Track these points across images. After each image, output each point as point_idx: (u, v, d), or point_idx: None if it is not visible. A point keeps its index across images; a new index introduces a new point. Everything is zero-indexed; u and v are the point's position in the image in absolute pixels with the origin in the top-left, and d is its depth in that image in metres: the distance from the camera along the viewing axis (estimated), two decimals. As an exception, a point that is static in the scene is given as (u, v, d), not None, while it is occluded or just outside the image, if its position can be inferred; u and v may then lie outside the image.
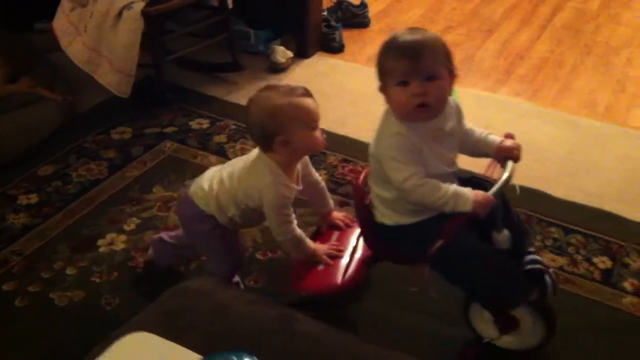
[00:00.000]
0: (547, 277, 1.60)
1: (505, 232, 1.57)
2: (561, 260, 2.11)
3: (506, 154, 1.62)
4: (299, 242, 1.73)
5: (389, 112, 1.58)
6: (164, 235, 1.99)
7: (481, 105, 2.98)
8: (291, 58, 3.25)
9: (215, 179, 1.75)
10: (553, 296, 1.62)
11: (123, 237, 2.17)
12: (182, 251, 2.01)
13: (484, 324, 1.73)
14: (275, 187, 1.65)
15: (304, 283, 1.71)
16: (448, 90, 1.54)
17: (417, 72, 1.48)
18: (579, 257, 2.12)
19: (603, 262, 2.10)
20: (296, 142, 1.63)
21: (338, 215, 1.92)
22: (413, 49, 1.49)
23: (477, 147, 1.67)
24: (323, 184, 1.89)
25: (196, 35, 3.16)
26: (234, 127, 2.77)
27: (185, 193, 1.81)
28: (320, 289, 1.71)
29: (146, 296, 1.82)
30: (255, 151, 1.73)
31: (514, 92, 3.16)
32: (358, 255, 1.79)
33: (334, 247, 1.80)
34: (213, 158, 2.57)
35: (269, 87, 1.67)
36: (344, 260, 1.76)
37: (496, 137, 1.66)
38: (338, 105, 2.94)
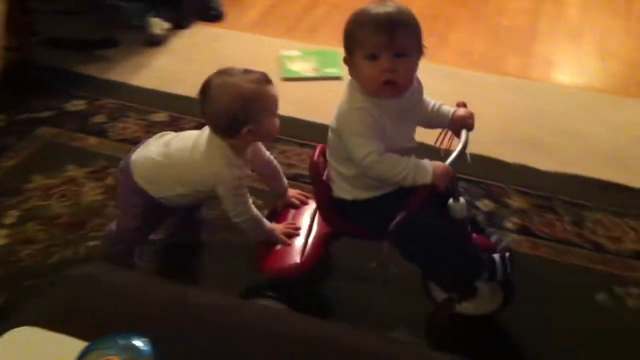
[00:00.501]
0: (496, 258, 1.61)
1: (462, 200, 1.58)
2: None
3: (461, 123, 1.62)
4: (257, 222, 1.69)
5: (352, 85, 1.53)
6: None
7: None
8: (168, 29, 3.15)
9: (156, 155, 1.70)
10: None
11: (3, 232, 2.06)
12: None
13: (443, 293, 1.73)
14: (230, 170, 1.62)
15: (264, 265, 1.68)
16: (415, 69, 1.51)
17: (388, 47, 1.43)
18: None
19: (486, 205, 2.19)
20: (262, 131, 1.61)
21: (292, 192, 1.88)
22: (387, 23, 1.43)
23: (431, 119, 1.65)
24: (276, 162, 1.85)
25: (68, 12, 3.00)
26: (111, 105, 2.67)
27: (127, 161, 1.75)
28: (280, 270, 1.67)
29: (32, 290, 1.74)
30: (200, 134, 1.67)
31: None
32: (315, 232, 1.75)
33: (291, 225, 1.76)
34: (93, 140, 2.47)
35: (230, 72, 1.60)
36: (302, 239, 1.72)
37: (449, 107, 1.65)
38: (221, 75, 2.89)
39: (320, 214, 1.74)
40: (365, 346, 1.20)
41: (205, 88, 1.60)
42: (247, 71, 1.60)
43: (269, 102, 1.60)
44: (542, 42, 3.31)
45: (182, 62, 2.99)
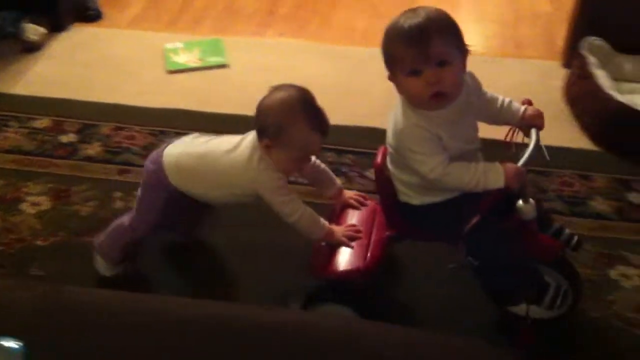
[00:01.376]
0: (551, 288, 1.61)
1: (532, 201, 1.52)
2: (339, 181, 2.22)
3: (530, 122, 1.57)
4: (312, 219, 1.64)
5: (402, 101, 1.49)
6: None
7: (250, 50, 3.02)
8: (45, 34, 3.06)
9: (192, 154, 1.71)
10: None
11: None
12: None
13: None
14: (268, 173, 1.60)
15: (325, 268, 1.61)
16: (463, 72, 1.46)
17: (427, 59, 1.38)
18: (354, 175, 2.26)
19: (370, 173, 2.25)
20: (278, 157, 1.60)
21: (350, 194, 1.82)
22: (421, 34, 1.37)
23: (499, 116, 1.61)
24: (323, 165, 1.80)
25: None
26: (-9, 117, 2.59)
27: (161, 155, 1.74)
28: (344, 274, 1.60)
29: None
30: (243, 137, 1.66)
31: (279, 33, 3.23)
32: (377, 234, 1.69)
33: (352, 228, 1.68)
34: (-27, 154, 2.39)
35: (303, 102, 1.59)
36: (364, 241, 1.65)
37: (519, 105, 1.60)
38: (104, 75, 2.83)
39: (385, 217, 1.69)
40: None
41: (281, 91, 1.60)
42: (313, 111, 1.59)
43: (300, 143, 1.58)
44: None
45: (62, 65, 2.91)
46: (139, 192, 1.80)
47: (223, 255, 2.00)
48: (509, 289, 1.61)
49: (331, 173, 1.81)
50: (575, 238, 1.63)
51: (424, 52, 1.38)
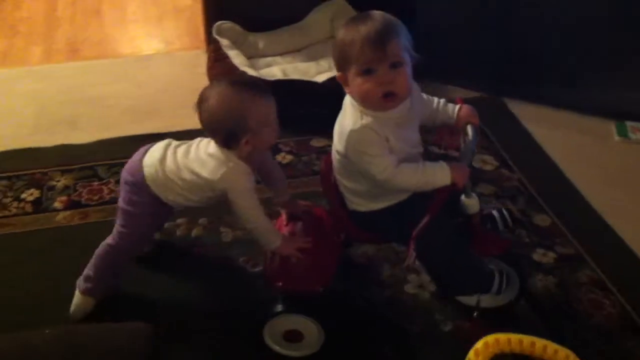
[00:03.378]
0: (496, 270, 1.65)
1: (475, 196, 1.58)
2: None
3: (467, 120, 1.60)
4: (269, 228, 1.63)
5: (350, 103, 1.51)
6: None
7: None
8: None
9: (170, 160, 1.63)
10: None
11: None
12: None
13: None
14: (238, 176, 1.56)
15: (282, 280, 1.60)
16: (410, 78, 1.46)
17: (383, 59, 1.40)
18: (8, 200, 2.15)
19: (31, 194, 2.18)
20: (260, 141, 1.56)
21: (299, 203, 1.77)
22: (379, 36, 1.40)
23: (436, 117, 1.63)
24: (279, 168, 1.78)
25: None
26: None
27: (139, 158, 1.67)
28: (302, 285, 1.60)
29: None
30: (207, 142, 1.61)
31: None
32: (329, 243, 1.68)
33: (302, 239, 1.63)
34: None
35: (223, 82, 1.56)
36: (316, 250, 1.62)
37: (452, 105, 1.62)
38: None
39: (335, 222, 1.69)
40: None
41: (201, 99, 1.56)
42: (240, 80, 1.58)
43: (265, 113, 1.54)
44: (63, 26, 3.34)
45: None
46: (121, 207, 1.71)
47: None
48: (460, 283, 1.66)
49: (285, 180, 1.78)
50: (507, 215, 1.72)
51: (380, 53, 1.40)
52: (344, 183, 1.61)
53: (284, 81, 2.53)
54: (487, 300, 1.69)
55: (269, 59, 2.80)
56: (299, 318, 1.62)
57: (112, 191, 2.19)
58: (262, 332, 1.64)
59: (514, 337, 1.13)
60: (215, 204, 1.68)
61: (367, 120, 1.46)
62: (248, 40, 2.83)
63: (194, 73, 2.85)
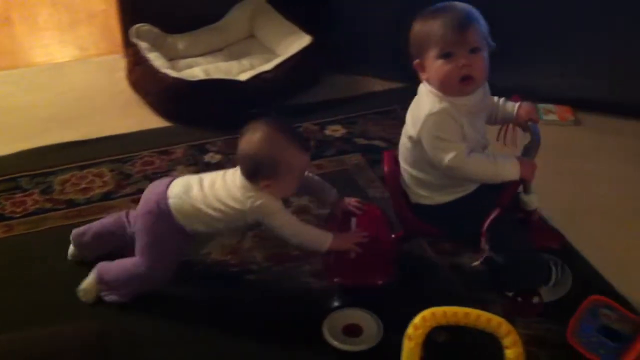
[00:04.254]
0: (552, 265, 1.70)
1: (534, 193, 1.60)
2: None
3: (528, 117, 1.63)
4: (314, 234, 1.63)
5: (425, 91, 1.55)
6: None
7: None
8: None
9: (198, 201, 1.64)
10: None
11: None
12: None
13: None
14: (267, 202, 1.58)
15: (343, 275, 1.64)
16: (487, 65, 1.52)
17: (462, 43, 1.47)
18: None
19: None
20: (279, 188, 1.59)
21: (349, 200, 1.75)
22: (460, 20, 1.47)
23: (497, 115, 1.66)
24: (312, 174, 1.77)
25: None
26: None
27: (164, 189, 1.67)
28: (365, 280, 1.63)
29: None
30: (231, 173, 1.65)
31: None
32: (385, 238, 1.71)
33: (359, 233, 1.65)
34: None
35: (280, 125, 1.59)
36: (375, 246, 1.64)
37: (511, 103, 1.65)
38: None
39: (399, 218, 1.72)
40: None
41: (248, 128, 1.60)
42: (289, 127, 1.62)
43: (295, 165, 1.58)
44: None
45: None
46: (143, 238, 1.70)
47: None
48: (524, 277, 1.66)
49: (325, 183, 1.77)
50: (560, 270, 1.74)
51: (461, 37, 1.47)
52: (412, 173, 1.63)
53: (207, 81, 2.53)
54: (546, 294, 1.72)
55: (189, 59, 2.79)
56: (358, 312, 1.65)
57: (36, 202, 2.13)
58: (321, 327, 1.64)
59: (449, 310, 1.18)
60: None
61: (444, 105, 1.51)
62: (167, 42, 2.81)
63: (113, 78, 2.81)
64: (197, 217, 1.64)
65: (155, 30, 2.79)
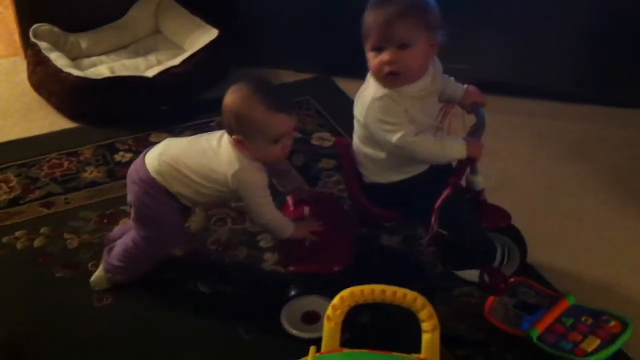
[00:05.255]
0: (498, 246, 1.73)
1: (481, 173, 1.63)
2: None
3: (474, 99, 1.66)
4: (281, 219, 1.63)
5: (372, 75, 1.56)
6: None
7: None
8: None
9: (173, 151, 1.63)
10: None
11: None
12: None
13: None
14: (251, 172, 1.56)
15: (300, 263, 1.64)
16: (424, 57, 1.52)
17: (389, 39, 1.47)
18: None
19: None
20: (255, 150, 1.55)
21: (305, 189, 1.78)
22: (387, 16, 1.46)
23: (443, 93, 1.66)
24: (294, 172, 1.76)
25: None
26: None
27: (141, 161, 1.65)
28: (322, 267, 1.62)
29: None
30: (219, 139, 1.60)
31: None
32: (342, 224, 1.73)
33: (314, 222, 1.66)
34: None
35: (255, 86, 1.54)
36: (331, 234, 1.66)
37: (459, 83, 1.66)
38: None
39: (353, 203, 1.74)
40: None
41: (235, 86, 1.56)
42: (271, 92, 1.56)
43: (267, 127, 1.51)
44: None
45: None
46: (134, 211, 1.68)
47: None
48: (473, 255, 1.68)
49: (291, 167, 1.77)
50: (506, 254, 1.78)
51: (388, 33, 1.47)
52: (365, 151, 1.64)
53: (113, 79, 2.47)
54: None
55: (94, 58, 2.73)
56: (316, 299, 1.63)
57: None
58: (279, 315, 1.65)
59: (366, 288, 1.20)
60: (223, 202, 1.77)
61: (387, 90, 1.53)
62: (69, 41, 2.73)
63: (13, 81, 2.72)
64: (176, 178, 1.61)
65: (56, 29, 2.71)
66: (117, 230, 1.88)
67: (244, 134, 1.53)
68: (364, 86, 1.61)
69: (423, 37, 1.50)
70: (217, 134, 1.64)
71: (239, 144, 1.55)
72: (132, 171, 1.68)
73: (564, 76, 2.62)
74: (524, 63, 2.61)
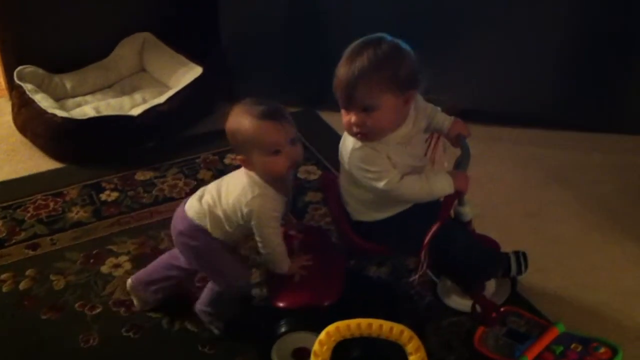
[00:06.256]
0: (512, 255, 1.71)
1: (468, 204, 1.64)
2: None
3: (458, 130, 1.65)
4: (283, 253, 1.61)
5: None
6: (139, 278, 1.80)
7: None
8: None
9: (207, 194, 1.63)
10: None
11: None
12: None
13: (456, 298, 1.81)
14: (263, 200, 1.55)
15: (289, 299, 1.61)
16: (395, 114, 1.50)
17: (353, 102, 1.47)
18: None
19: None
20: (256, 166, 1.54)
21: (292, 221, 1.82)
22: (348, 82, 1.46)
23: (429, 125, 1.65)
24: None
25: None
26: None
27: (182, 209, 1.67)
28: (310, 303, 1.60)
29: None
30: (236, 172, 1.63)
31: None
32: (331, 259, 1.71)
33: (304, 258, 1.65)
34: None
35: (245, 101, 1.55)
36: (321, 268, 1.65)
37: (443, 114, 1.66)
38: None
39: (341, 237, 1.74)
40: None
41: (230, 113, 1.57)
42: (259, 104, 1.52)
43: (258, 139, 1.50)
44: None
45: None
46: (197, 263, 1.69)
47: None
48: (484, 269, 1.69)
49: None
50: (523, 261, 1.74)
51: (348, 99, 1.48)
52: (351, 191, 1.64)
53: (98, 119, 2.48)
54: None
55: (79, 98, 2.74)
56: (306, 335, 1.59)
57: None
58: (270, 352, 1.63)
59: (353, 322, 1.19)
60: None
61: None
62: (54, 82, 2.74)
63: (-1, 122, 2.71)
64: (214, 221, 1.61)
65: (41, 71, 2.71)
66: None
67: (243, 150, 1.54)
68: (343, 136, 1.60)
69: (390, 97, 1.47)
70: (235, 171, 1.66)
71: (244, 163, 1.56)
72: (177, 222, 1.67)
73: (546, 103, 2.65)
74: (504, 91, 2.63)
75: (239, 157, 1.56)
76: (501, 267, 1.71)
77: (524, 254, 1.73)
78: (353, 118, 1.48)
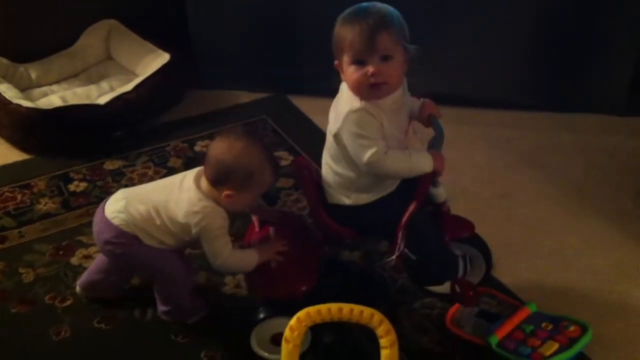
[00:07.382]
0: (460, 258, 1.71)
1: (442, 185, 1.63)
2: None
3: (430, 111, 1.65)
4: (242, 256, 1.63)
5: (346, 88, 1.55)
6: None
7: None
8: None
9: (140, 206, 1.61)
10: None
11: None
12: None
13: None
14: (212, 216, 1.56)
15: (267, 288, 1.64)
16: (404, 68, 1.53)
17: (373, 52, 1.47)
18: None
19: None
20: (239, 203, 1.58)
21: (268, 209, 1.82)
22: (372, 27, 1.46)
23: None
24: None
25: None
26: None
27: (103, 215, 1.64)
28: (287, 291, 1.62)
29: None
30: (182, 179, 1.62)
31: None
32: (308, 245, 1.72)
33: (279, 243, 1.65)
34: None
35: (252, 140, 1.58)
36: (296, 254, 1.65)
37: (414, 97, 1.66)
38: None
39: (315, 221, 1.73)
40: None
41: (227, 134, 1.60)
42: (272, 155, 1.62)
43: (264, 186, 1.59)
44: None
45: None
46: (136, 266, 1.73)
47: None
48: (441, 271, 1.68)
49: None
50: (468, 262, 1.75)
51: (371, 45, 1.46)
52: (337, 170, 1.62)
53: (64, 108, 2.44)
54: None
55: (44, 88, 2.69)
56: (285, 320, 1.55)
57: None
58: (249, 338, 1.63)
59: (323, 307, 1.19)
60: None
61: (365, 103, 1.52)
62: (19, 72, 2.69)
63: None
64: (144, 230, 1.60)
65: (5, 61, 2.67)
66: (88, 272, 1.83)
67: (241, 189, 1.55)
68: (337, 98, 1.61)
69: (400, 49, 1.51)
70: (179, 175, 1.64)
71: (228, 197, 1.55)
72: (102, 235, 1.64)
73: (515, 85, 2.66)
74: (474, 74, 2.65)
75: (227, 192, 1.55)
76: (456, 273, 1.72)
77: (471, 257, 1.76)
78: (371, 69, 1.48)
